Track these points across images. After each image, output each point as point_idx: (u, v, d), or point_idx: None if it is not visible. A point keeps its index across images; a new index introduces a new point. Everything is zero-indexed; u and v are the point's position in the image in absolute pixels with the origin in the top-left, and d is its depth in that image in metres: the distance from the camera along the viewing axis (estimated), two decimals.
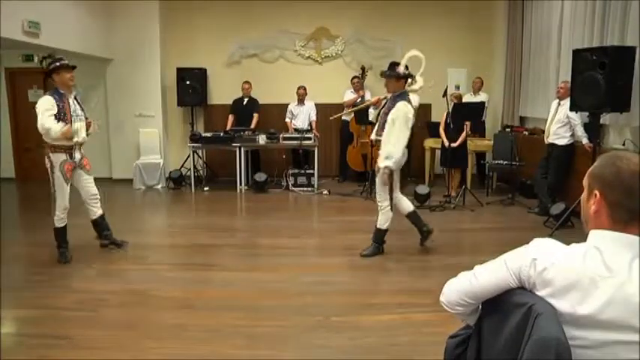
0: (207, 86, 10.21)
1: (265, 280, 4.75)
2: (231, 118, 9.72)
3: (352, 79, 9.52)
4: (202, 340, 3.56)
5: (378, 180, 5.29)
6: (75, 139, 5.22)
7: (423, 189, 7.74)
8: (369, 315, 3.91)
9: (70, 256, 5.35)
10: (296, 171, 9.17)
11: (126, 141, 10.07)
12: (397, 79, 5.27)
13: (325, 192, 7.19)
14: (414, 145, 9.06)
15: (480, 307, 1.70)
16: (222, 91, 10.24)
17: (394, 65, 5.37)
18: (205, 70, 10.09)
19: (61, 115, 5.08)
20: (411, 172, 9.34)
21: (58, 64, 5.10)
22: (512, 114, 9.48)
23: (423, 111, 9.44)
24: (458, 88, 9.68)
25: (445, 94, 7.60)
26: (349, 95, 9.52)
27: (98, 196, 5.59)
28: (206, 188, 9.38)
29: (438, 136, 8.08)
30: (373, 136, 5.46)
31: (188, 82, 9.77)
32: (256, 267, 5.19)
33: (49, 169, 5.17)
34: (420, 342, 3.42)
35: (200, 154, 10.01)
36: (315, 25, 10.20)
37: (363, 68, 9.67)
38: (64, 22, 8.01)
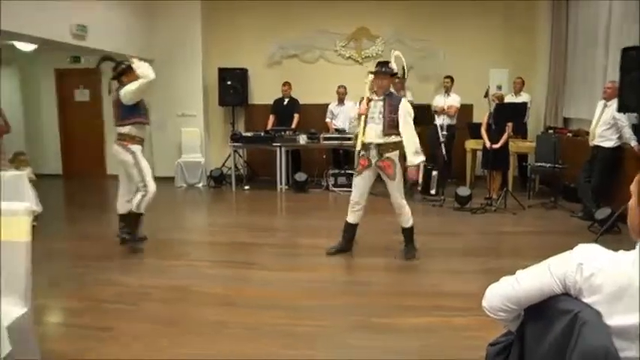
0: (248, 86, 10.30)
1: (305, 280, 4.76)
2: (271, 118, 9.79)
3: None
4: (242, 337, 3.59)
5: (395, 182, 5.19)
6: (146, 131, 5.75)
7: (464, 191, 7.67)
8: (408, 317, 3.88)
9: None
10: (336, 171, 9.18)
11: (168, 140, 10.27)
12: (390, 77, 5.22)
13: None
14: (455, 147, 9.00)
15: (523, 313, 1.67)
16: (262, 91, 10.32)
17: (386, 63, 5.26)
18: (246, 70, 10.18)
19: (143, 108, 5.56)
20: (452, 173, 9.26)
21: (124, 66, 5.38)
22: (555, 115, 9.29)
23: (464, 112, 9.36)
24: (500, 88, 9.53)
25: (487, 94, 7.48)
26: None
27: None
28: (246, 187, 9.49)
29: (480, 137, 7.96)
30: (380, 140, 5.09)
31: (229, 82, 9.89)
32: (296, 266, 5.21)
33: (131, 161, 5.42)
34: (459, 346, 3.37)
35: (241, 153, 10.12)
36: (356, 25, 10.19)
37: (403, 68, 9.59)
38: (109, 24, 8.24)
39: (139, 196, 5.48)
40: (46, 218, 6.55)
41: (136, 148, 5.45)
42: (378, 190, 5.81)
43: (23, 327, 2.60)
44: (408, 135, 5.08)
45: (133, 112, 5.41)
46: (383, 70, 5.14)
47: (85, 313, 4.04)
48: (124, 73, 5.37)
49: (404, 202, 5.26)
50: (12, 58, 10.39)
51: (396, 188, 5.20)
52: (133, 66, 5.27)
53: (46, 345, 3.21)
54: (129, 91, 5.25)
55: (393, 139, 5.11)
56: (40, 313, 3.73)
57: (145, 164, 5.49)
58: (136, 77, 5.23)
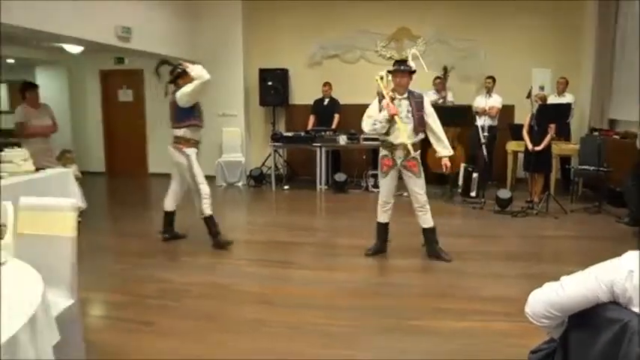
0: (288, 86, 10.35)
1: (343, 280, 4.76)
2: (312, 118, 9.81)
3: (434, 80, 9.36)
4: (280, 336, 3.61)
5: (421, 180, 5.20)
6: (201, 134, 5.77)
7: (504, 193, 7.55)
8: (446, 320, 3.84)
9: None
10: (376, 172, 9.10)
11: (209, 139, 10.33)
12: (409, 75, 5.15)
13: (405, 194, 7.07)
14: (496, 148, 8.87)
15: (566, 320, 1.64)
16: (303, 92, 10.35)
17: (404, 61, 5.22)
18: (287, 70, 10.23)
19: (198, 111, 5.64)
20: (492, 175, 9.13)
21: (180, 69, 5.48)
22: (600, 116, 9.06)
23: (505, 112, 9.21)
24: (542, 89, 9.32)
25: (529, 95, 7.31)
26: (431, 96, 9.39)
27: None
28: (286, 187, 9.54)
29: (521, 138, 7.80)
30: (410, 139, 5.05)
31: (270, 83, 9.96)
32: (334, 266, 5.21)
33: (185, 164, 5.56)
34: (498, 352, 3.31)
35: (281, 153, 10.19)
36: (397, 25, 10.12)
37: (445, 69, 9.53)
38: (153, 25, 8.39)
39: (198, 200, 5.66)
40: (90, 215, 6.71)
41: (191, 151, 5.56)
42: (434, 191, 5.74)
43: (70, 318, 2.68)
44: (440, 129, 5.18)
45: (189, 115, 5.51)
46: (402, 68, 5.11)
47: (127, 308, 4.14)
48: (180, 76, 5.47)
49: (427, 199, 5.28)
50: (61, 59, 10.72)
51: (421, 186, 5.21)
52: (187, 70, 5.36)
53: (90, 336, 3.29)
54: (185, 93, 5.33)
55: (420, 137, 5.18)
56: (84, 306, 3.82)
57: (197, 168, 5.60)
58: (191, 80, 5.30)
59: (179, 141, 5.56)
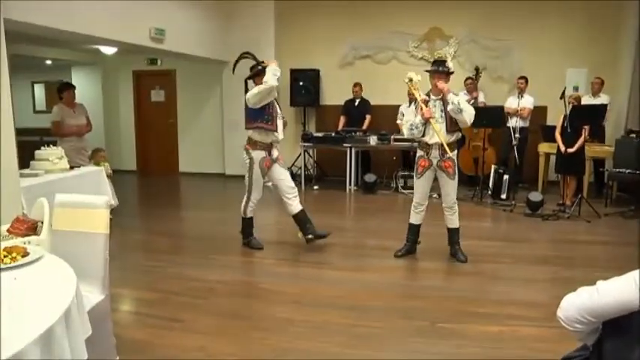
0: (319, 87, 10.37)
1: (372, 281, 4.76)
2: (342, 119, 9.81)
3: (465, 81, 9.26)
4: (308, 335, 3.62)
5: (454, 182, 5.18)
6: (275, 137, 5.53)
7: (535, 196, 7.43)
8: (475, 324, 3.79)
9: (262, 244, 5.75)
10: (406, 173, 9.09)
11: (239, 139, 10.41)
12: (447, 76, 5.07)
13: (435, 195, 7.10)
14: (527, 150, 8.75)
15: (601, 326, 1.59)
16: (334, 92, 10.36)
17: (443, 62, 5.15)
18: (318, 71, 10.26)
19: (268, 114, 5.39)
20: (523, 177, 9.01)
21: (260, 67, 5.38)
22: (638, 118, 8.85)
23: (538, 114, 9.08)
24: (576, 89, 9.18)
25: (563, 95, 7.18)
26: (463, 97, 9.31)
27: (295, 189, 5.81)
28: (316, 187, 9.57)
29: (554, 140, 7.66)
30: (449, 139, 5.04)
31: (301, 83, 10.00)
32: (363, 267, 5.21)
33: (247, 164, 5.54)
34: (526, 357, 3.27)
35: (311, 153, 10.21)
36: (428, 25, 10.05)
37: (477, 69, 9.44)
38: (186, 26, 8.49)
39: (244, 200, 5.67)
40: (121, 212, 6.82)
41: (256, 154, 5.47)
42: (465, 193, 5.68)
43: (102, 312, 2.73)
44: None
45: (257, 117, 5.38)
46: (440, 69, 5.03)
47: (156, 304, 4.20)
48: (258, 74, 5.36)
49: (456, 201, 5.28)
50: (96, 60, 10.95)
51: (454, 187, 5.19)
52: (267, 68, 5.24)
53: (119, 331, 3.35)
54: (251, 94, 5.24)
55: (455, 136, 5.12)
56: (114, 302, 3.89)
57: (257, 174, 5.53)
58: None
59: (248, 141, 5.53)
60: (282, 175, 5.68)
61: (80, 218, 2.79)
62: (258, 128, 5.43)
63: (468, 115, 4.87)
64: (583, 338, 1.67)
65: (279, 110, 5.59)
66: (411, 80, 5.06)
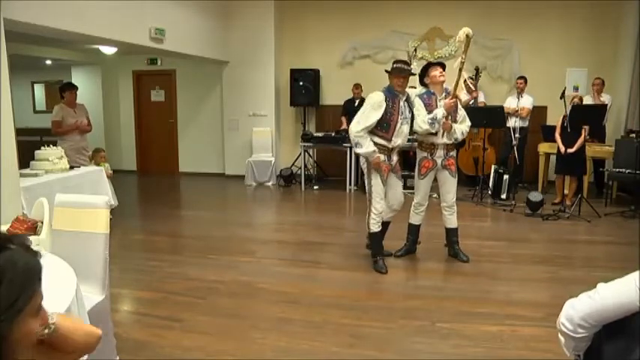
0: (319, 87, 10.37)
1: (372, 281, 4.76)
2: (343, 119, 9.79)
3: (465, 81, 9.26)
4: (306, 335, 3.63)
5: (456, 180, 5.25)
6: (394, 142, 5.00)
7: (535, 196, 7.42)
8: (475, 324, 3.80)
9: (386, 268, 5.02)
10: (406, 173, 9.07)
11: (239, 139, 10.51)
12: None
13: (435, 195, 7.09)
14: (527, 150, 8.75)
15: (592, 335, 1.57)
16: (334, 92, 10.36)
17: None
18: (318, 71, 10.25)
19: (388, 115, 4.90)
20: (523, 177, 9.01)
21: (395, 65, 5.06)
22: (638, 118, 8.86)
23: (538, 113, 9.09)
24: (576, 89, 9.18)
25: (563, 95, 7.17)
26: (462, 97, 9.32)
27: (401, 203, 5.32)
28: (316, 187, 9.58)
29: (553, 140, 7.67)
30: (449, 139, 5.07)
31: (301, 83, 9.99)
32: (363, 267, 5.19)
33: (365, 170, 5.12)
34: (528, 357, 3.28)
35: (311, 153, 10.21)
36: (429, 25, 10.05)
37: (477, 69, 9.44)
38: (186, 27, 8.49)
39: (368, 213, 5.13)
40: (121, 212, 6.83)
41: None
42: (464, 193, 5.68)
43: (102, 312, 2.74)
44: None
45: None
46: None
47: (156, 304, 4.20)
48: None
49: (455, 200, 5.30)
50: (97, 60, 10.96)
51: (455, 186, 5.23)
52: None
53: (119, 331, 3.36)
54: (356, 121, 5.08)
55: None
56: (114, 302, 3.91)
57: (375, 179, 4.99)
58: (394, 82, 5.03)
59: None
60: (397, 187, 5.33)
61: (80, 218, 2.80)
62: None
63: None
64: (576, 347, 1.65)
65: (408, 114, 5.11)
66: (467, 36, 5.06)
